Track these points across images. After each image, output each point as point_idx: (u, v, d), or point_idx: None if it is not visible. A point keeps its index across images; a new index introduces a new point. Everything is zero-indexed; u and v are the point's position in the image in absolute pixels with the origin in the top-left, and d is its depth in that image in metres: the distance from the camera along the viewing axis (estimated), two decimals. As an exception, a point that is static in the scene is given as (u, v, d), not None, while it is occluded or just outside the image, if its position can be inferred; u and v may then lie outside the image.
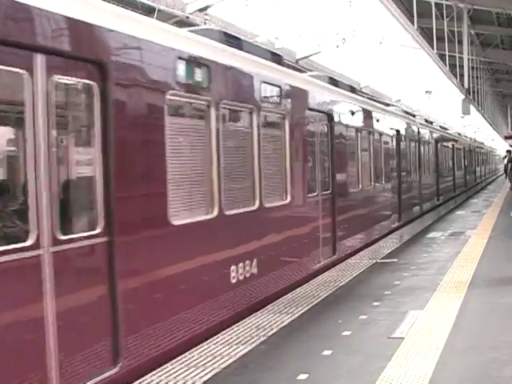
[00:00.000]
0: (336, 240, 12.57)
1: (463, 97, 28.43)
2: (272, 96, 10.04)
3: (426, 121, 28.82)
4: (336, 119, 13.07)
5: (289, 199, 10.31)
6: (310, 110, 11.63)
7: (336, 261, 12.36)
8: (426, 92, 47.83)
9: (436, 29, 25.30)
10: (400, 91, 46.19)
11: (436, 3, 25.03)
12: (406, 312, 8.26)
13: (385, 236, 16.40)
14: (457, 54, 28.97)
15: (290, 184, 10.33)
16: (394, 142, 19.05)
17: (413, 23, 22.53)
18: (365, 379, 5.95)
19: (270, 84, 9.91)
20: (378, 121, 16.97)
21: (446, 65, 28.80)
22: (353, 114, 14.61)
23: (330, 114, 12.73)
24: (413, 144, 22.10)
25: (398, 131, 19.33)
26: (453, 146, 34.06)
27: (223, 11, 21.50)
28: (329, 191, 12.44)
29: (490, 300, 8.94)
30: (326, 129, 12.62)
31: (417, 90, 47.32)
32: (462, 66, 28.08)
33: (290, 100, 10.66)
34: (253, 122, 9.20)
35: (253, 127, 9.22)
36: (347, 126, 14.02)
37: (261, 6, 28.39)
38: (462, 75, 28.59)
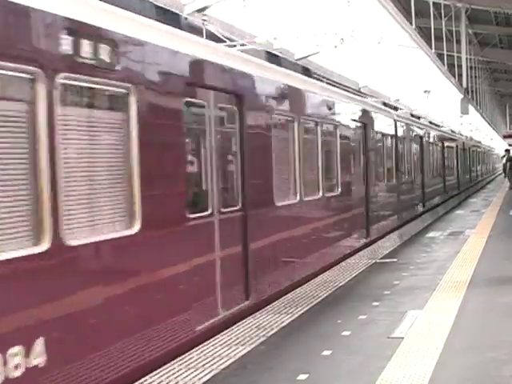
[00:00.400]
0: (250, 278, 8.69)
1: (462, 96, 28.40)
2: (87, 50, 5.85)
3: (413, 115, 25.65)
4: (251, 103, 9.08)
5: (137, 227, 6.32)
6: (193, 85, 7.72)
7: (251, 307, 8.63)
8: (425, 92, 47.89)
9: (434, 28, 25.28)
10: (399, 91, 46.24)
11: (434, 3, 25.01)
12: (405, 312, 8.26)
13: (345, 258, 12.87)
14: (455, 54, 28.96)
15: (141, 202, 6.38)
16: (359, 137, 15.17)
17: (411, 23, 22.54)
18: (364, 379, 5.95)
19: (74, 31, 5.73)
20: (331, 109, 13.04)
21: (444, 64, 28.79)
22: (284, 97, 10.64)
23: (239, 95, 8.73)
24: (388, 140, 18.47)
25: (364, 124, 15.52)
26: (443, 143, 30.34)
27: (221, 12, 21.51)
28: (236, 207, 8.60)
29: (490, 299, 8.95)
30: (231, 115, 8.72)
31: (415, 90, 47.41)
32: (460, 66, 28.05)
33: (138, 64, 6.71)
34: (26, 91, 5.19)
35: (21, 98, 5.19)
36: (274, 113, 9.96)
37: (259, 6, 28.46)
38: (460, 75, 28.56)
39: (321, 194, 12.09)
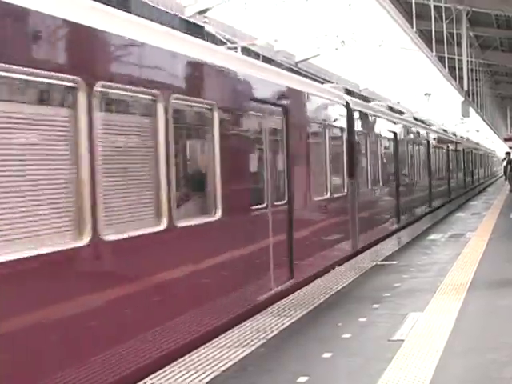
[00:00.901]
0: None
1: (462, 99, 28.43)
2: None
3: (392, 109, 21.47)
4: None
5: None
6: None
7: None
8: (426, 94, 47.97)
9: (435, 31, 25.30)
10: (399, 93, 46.33)
11: (435, 5, 25.04)
12: (405, 314, 8.25)
13: (243, 319, 8.17)
14: (456, 57, 28.99)
15: None
16: (272, 128, 10.03)
17: (412, 25, 22.55)
18: (365, 382, 5.94)
19: None
20: (207, 80, 8.16)
21: (445, 67, 28.83)
22: (120, 58, 6.54)
23: None
24: (335, 135, 13.42)
25: (285, 109, 10.38)
26: (428, 143, 25.52)
27: (222, 14, 21.55)
28: None
29: (490, 302, 8.94)
30: None
31: (416, 93, 47.50)
32: (461, 69, 28.09)
33: None
34: None
35: None
36: (99, 84, 5.87)
37: (260, 8, 28.53)
38: (461, 77, 28.60)
39: (165, 223, 6.79)
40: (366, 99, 20.25)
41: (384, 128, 18.18)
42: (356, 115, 15.05)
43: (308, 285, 10.34)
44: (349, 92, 16.63)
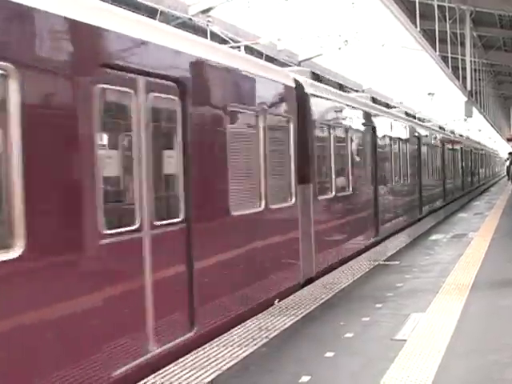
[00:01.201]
0: None
1: (466, 99, 28.42)
2: None
3: (374, 100, 18.74)
4: None
5: None
6: None
7: None
8: (429, 94, 47.96)
9: (438, 31, 25.29)
10: (402, 93, 46.33)
11: (439, 5, 25.01)
12: (408, 314, 8.26)
13: None
14: (459, 56, 28.97)
15: None
16: (158, 115, 6.99)
17: (415, 25, 22.54)
18: (367, 381, 5.95)
19: None
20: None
21: (448, 67, 28.80)
22: None
23: None
24: (276, 126, 10.15)
25: (182, 86, 7.21)
26: (419, 141, 22.44)
27: (226, 13, 21.58)
28: None
29: (492, 302, 8.94)
30: None
31: (419, 92, 47.50)
32: (464, 68, 28.08)
33: None
34: None
35: None
36: None
37: (263, 7, 28.54)
38: (464, 77, 28.59)
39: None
40: (343, 88, 16.86)
41: (358, 121, 14.96)
42: (313, 102, 11.69)
43: (222, 334, 7.47)
44: (317, 77, 13.40)
